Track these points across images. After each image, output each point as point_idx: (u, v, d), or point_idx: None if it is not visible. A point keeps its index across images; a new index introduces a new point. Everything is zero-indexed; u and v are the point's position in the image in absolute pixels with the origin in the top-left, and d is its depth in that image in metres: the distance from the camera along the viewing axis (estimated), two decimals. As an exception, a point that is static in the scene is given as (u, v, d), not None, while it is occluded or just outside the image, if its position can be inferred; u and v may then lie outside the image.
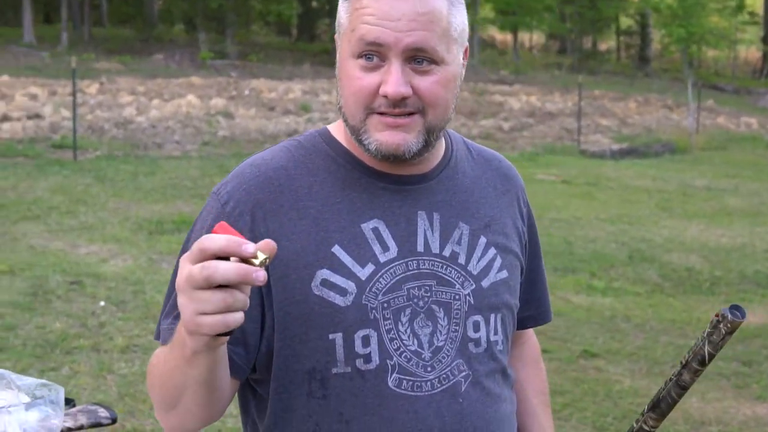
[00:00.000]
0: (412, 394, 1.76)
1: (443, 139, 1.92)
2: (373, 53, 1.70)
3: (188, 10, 51.46)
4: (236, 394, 1.91)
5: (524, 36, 67.44)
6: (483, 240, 1.88)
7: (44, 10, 57.71)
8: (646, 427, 1.96)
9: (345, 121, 1.78)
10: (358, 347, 1.74)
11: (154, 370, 1.72)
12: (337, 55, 1.79)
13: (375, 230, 1.79)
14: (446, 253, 1.83)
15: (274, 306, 1.74)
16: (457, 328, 1.81)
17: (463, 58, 1.82)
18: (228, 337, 1.47)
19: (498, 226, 1.92)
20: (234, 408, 2.07)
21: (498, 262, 1.89)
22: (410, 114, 1.72)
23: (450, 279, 1.82)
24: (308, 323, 1.74)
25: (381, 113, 1.72)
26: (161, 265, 9.29)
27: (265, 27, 59.99)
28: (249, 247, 1.35)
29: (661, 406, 1.94)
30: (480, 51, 54.26)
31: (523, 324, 2.09)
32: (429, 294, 1.79)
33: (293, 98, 27.54)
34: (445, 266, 1.82)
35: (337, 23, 1.80)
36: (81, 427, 2.81)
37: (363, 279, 1.75)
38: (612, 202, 14.89)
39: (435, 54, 1.70)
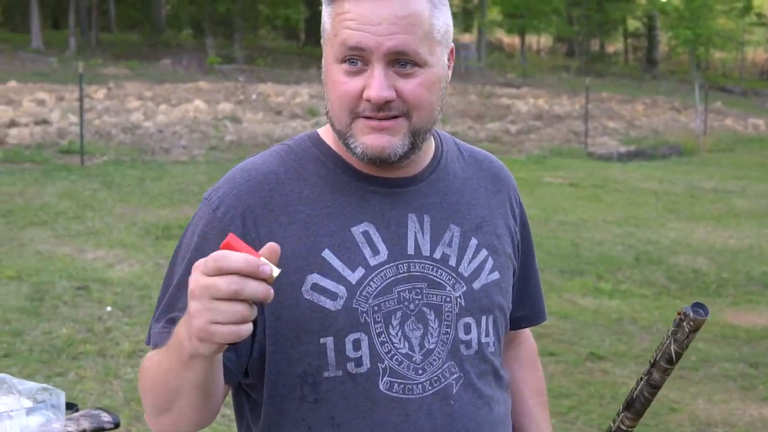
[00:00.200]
0: (404, 396, 1.76)
1: (432, 140, 1.92)
2: (356, 58, 1.70)
3: (196, 14, 51.59)
4: (232, 400, 1.92)
5: (532, 39, 67.50)
6: (474, 241, 1.88)
7: (52, 16, 57.85)
8: (624, 427, 1.96)
9: (332, 125, 1.79)
10: (349, 351, 1.74)
11: (147, 373, 1.72)
12: (323, 61, 1.80)
13: (365, 234, 1.79)
14: (437, 255, 1.83)
15: (265, 311, 1.74)
16: (449, 330, 1.81)
17: (449, 59, 1.81)
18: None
19: (489, 227, 1.92)
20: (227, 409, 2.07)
21: (490, 263, 1.89)
22: (395, 117, 1.72)
23: (441, 281, 1.82)
24: (299, 327, 1.74)
25: (366, 117, 1.72)
26: (168, 269, 9.28)
27: (272, 31, 60.08)
28: (267, 268, 1.38)
29: (635, 406, 1.95)
30: (487, 54, 54.30)
31: (517, 324, 2.09)
32: (420, 297, 1.79)
33: (301, 102, 27.56)
34: (435, 269, 1.82)
35: (321, 28, 1.80)
36: (83, 432, 2.81)
37: (353, 283, 1.75)
38: (619, 205, 14.88)
39: (417, 57, 1.70)
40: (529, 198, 14.52)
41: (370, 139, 1.73)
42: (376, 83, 1.68)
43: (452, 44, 1.83)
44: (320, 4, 1.81)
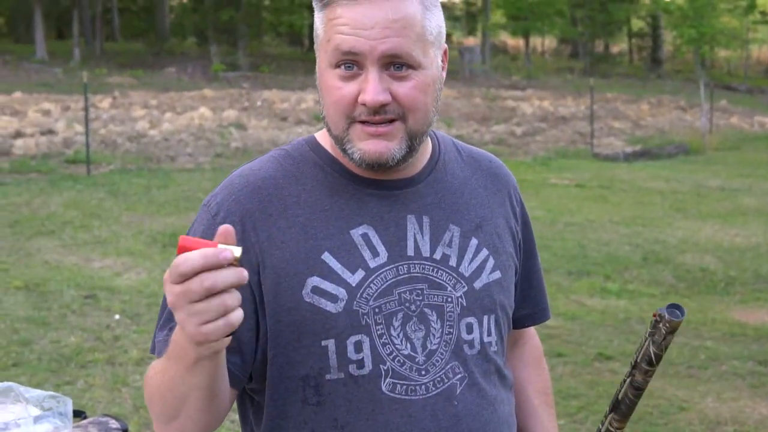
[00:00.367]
0: (407, 398, 1.76)
1: (430, 141, 1.93)
2: (350, 62, 1.71)
3: (199, 22, 51.66)
4: (236, 405, 1.92)
5: (536, 41, 67.48)
6: (474, 241, 1.88)
7: (56, 26, 58.03)
8: (612, 429, 1.97)
9: (329, 130, 1.80)
10: (351, 353, 1.75)
11: (152, 382, 1.73)
12: (317, 66, 1.80)
13: (364, 236, 1.79)
14: (437, 256, 1.83)
15: (267, 314, 1.76)
16: (451, 330, 1.81)
17: (442, 61, 1.82)
18: (231, 337, 1.49)
19: (490, 226, 1.92)
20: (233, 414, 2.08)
21: (491, 262, 1.89)
22: (391, 121, 1.73)
23: (441, 282, 1.82)
24: (300, 330, 1.75)
25: (363, 122, 1.73)
26: (175, 277, 9.28)
27: (276, 38, 60.16)
28: (227, 253, 1.38)
29: (621, 408, 1.95)
30: (492, 57, 54.28)
31: (521, 323, 2.09)
32: (421, 297, 1.80)
33: (306, 108, 27.59)
34: (436, 269, 1.82)
35: (314, 34, 1.81)
36: (91, 438, 2.82)
37: (353, 285, 1.76)
38: (625, 205, 14.85)
39: (411, 59, 1.71)
40: (535, 199, 14.52)
41: (367, 145, 1.73)
42: (371, 87, 1.69)
43: (445, 45, 1.83)
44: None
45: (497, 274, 1.90)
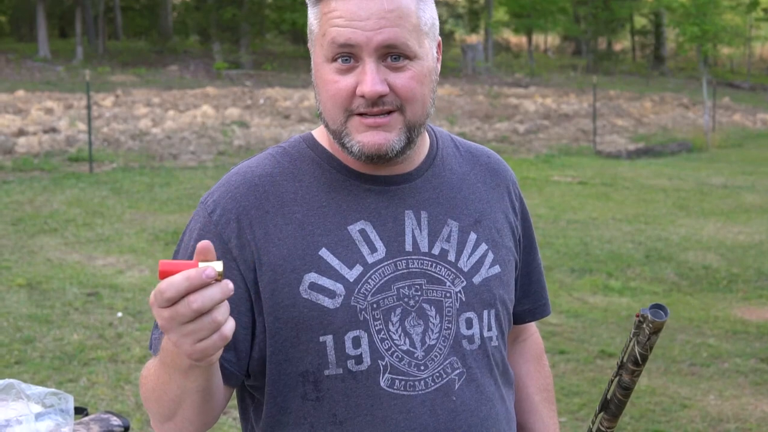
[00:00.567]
0: (406, 393, 1.76)
1: (427, 136, 1.93)
2: (347, 55, 1.71)
3: (202, 21, 51.65)
4: (237, 402, 1.94)
5: (539, 38, 67.47)
6: (473, 236, 1.88)
7: (59, 25, 58.03)
8: (603, 428, 1.97)
9: (326, 126, 1.79)
10: (349, 349, 1.75)
11: (147, 382, 1.73)
12: (312, 62, 1.80)
13: (362, 232, 1.79)
14: (435, 251, 1.83)
15: (264, 311, 1.76)
16: (450, 325, 1.81)
17: (437, 53, 1.82)
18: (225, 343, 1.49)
19: (489, 221, 1.92)
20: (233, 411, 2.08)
21: (490, 257, 1.89)
22: (389, 112, 1.73)
23: (440, 277, 1.82)
24: (298, 327, 1.75)
25: (361, 114, 1.72)
26: (177, 275, 9.28)
27: (279, 36, 60.08)
28: (210, 271, 1.38)
29: (610, 407, 1.95)
30: (495, 54, 54.27)
31: (522, 318, 2.08)
32: (419, 293, 1.79)
33: (308, 106, 27.60)
34: (434, 264, 1.82)
35: (308, 30, 1.81)
36: (93, 436, 2.82)
37: (351, 281, 1.76)
38: (628, 202, 14.84)
39: (407, 49, 1.71)
40: (538, 197, 14.51)
41: (366, 137, 1.73)
42: (369, 78, 1.69)
43: (439, 38, 1.84)
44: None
45: (497, 269, 1.89)
